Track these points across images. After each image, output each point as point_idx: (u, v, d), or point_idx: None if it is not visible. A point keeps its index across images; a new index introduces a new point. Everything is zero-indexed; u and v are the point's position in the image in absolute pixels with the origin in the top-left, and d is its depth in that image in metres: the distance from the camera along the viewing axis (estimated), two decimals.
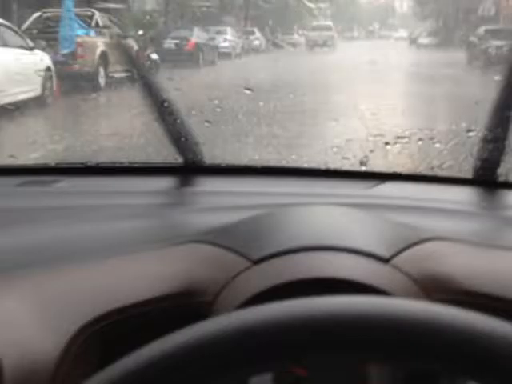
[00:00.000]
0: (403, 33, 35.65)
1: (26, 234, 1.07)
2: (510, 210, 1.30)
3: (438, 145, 2.44)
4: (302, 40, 26.60)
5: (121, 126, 6.00)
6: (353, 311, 0.51)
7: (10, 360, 0.65)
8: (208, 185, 1.42)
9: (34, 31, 10.66)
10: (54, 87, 9.20)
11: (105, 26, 11.64)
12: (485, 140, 1.29)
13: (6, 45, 8.86)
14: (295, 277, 0.77)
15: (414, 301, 0.57)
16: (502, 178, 1.31)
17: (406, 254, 0.82)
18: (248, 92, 3.98)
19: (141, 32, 14.03)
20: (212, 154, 1.63)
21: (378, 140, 2.91)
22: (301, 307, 0.52)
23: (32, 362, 0.67)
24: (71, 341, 0.70)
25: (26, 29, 10.76)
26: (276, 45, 24.84)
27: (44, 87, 8.92)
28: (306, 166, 1.96)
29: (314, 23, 27.93)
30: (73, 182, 1.43)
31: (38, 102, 8.41)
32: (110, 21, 12.19)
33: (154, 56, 12.17)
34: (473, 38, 17.33)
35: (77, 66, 10.37)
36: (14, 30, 9.58)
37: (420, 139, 2.53)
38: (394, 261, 0.80)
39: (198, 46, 16.37)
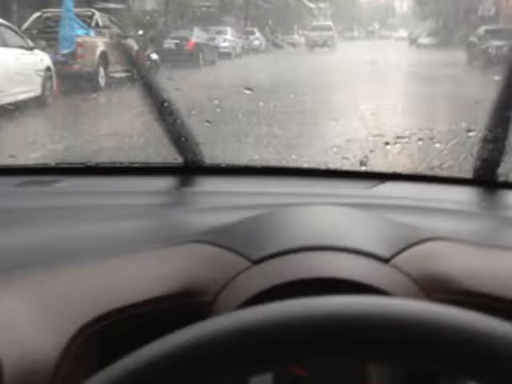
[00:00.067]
0: (403, 33, 35.65)
1: (25, 234, 1.07)
2: (510, 210, 1.30)
3: (438, 145, 2.44)
4: (302, 40, 26.60)
5: (121, 126, 6.00)
6: (353, 311, 0.51)
7: (9, 360, 0.65)
8: (208, 185, 1.42)
9: (34, 31, 10.66)
10: (54, 87, 9.20)
11: (105, 26, 11.64)
12: (485, 140, 1.29)
13: (6, 45, 8.86)
14: (295, 277, 0.77)
15: (413, 301, 0.57)
16: (502, 178, 1.31)
17: (406, 254, 0.82)
18: (248, 92, 3.98)
19: (141, 32, 14.04)
20: (212, 154, 1.63)
21: (378, 140, 2.91)
22: (301, 307, 0.52)
23: (32, 361, 0.67)
24: (71, 341, 0.70)
25: (26, 29, 10.76)
26: (276, 45, 24.84)
27: (44, 87, 8.92)
28: (306, 165, 1.96)
29: (314, 23, 27.93)
30: (73, 182, 1.43)
31: (38, 102, 8.41)
32: (110, 21, 12.19)
33: (154, 56, 12.17)
34: (473, 38, 17.33)
35: (77, 66, 10.37)
36: (14, 30, 9.58)
37: (420, 139, 2.53)
38: (394, 261, 0.80)
39: (198, 45, 16.37)
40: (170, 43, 16.20)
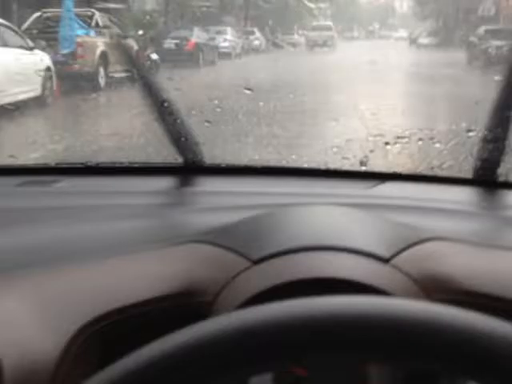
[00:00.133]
0: (403, 33, 35.64)
1: (26, 234, 1.07)
2: (510, 210, 1.30)
3: (438, 145, 2.44)
4: (302, 40, 26.60)
5: (121, 126, 6.00)
6: (353, 311, 0.51)
7: (10, 360, 0.65)
8: (208, 185, 1.42)
9: (34, 31, 10.66)
10: (54, 87, 9.19)
11: (105, 26, 11.64)
12: (485, 140, 1.29)
13: (6, 45, 8.86)
14: (295, 277, 0.77)
15: (413, 301, 0.57)
16: (502, 178, 1.31)
17: (406, 254, 0.82)
18: (248, 92, 3.98)
19: (141, 32, 14.03)
20: (212, 154, 1.63)
21: (378, 140, 2.91)
22: (301, 307, 0.52)
23: (32, 361, 0.67)
24: (71, 341, 0.70)
25: (26, 29, 10.76)
26: (276, 45, 24.84)
27: (44, 87, 8.92)
28: (306, 165, 1.96)
29: (314, 23, 27.93)
30: (73, 181, 1.43)
31: (38, 102, 8.41)
32: (110, 21, 12.19)
33: (154, 56, 12.17)
34: (473, 38, 17.33)
35: (77, 66, 10.37)
36: (14, 30, 9.58)
37: (420, 139, 2.53)
38: (394, 261, 0.80)
39: (198, 45, 16.37)
40: (169, 43, 16.20)
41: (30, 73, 8.57)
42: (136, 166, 1.53)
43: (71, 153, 4.85)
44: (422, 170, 2.06)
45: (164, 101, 1.36)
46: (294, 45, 25.12)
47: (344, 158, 2.37)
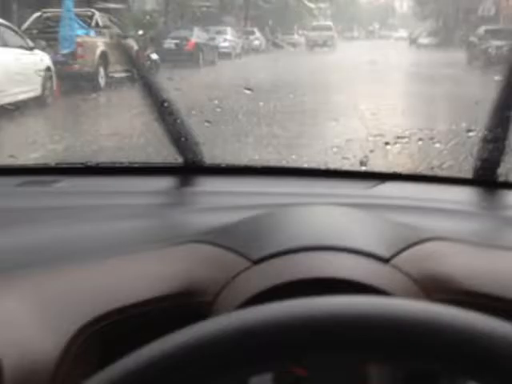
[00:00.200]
0: (403, 33, 35.64)
1: (26, 234, 1.07)
2: (510, 210, 1.30)
3: (438, 145, 2.44)
4: (302, 40, 26.60)
5: (121, 126, 6.00)
6: (353, 311, 0.51)
7: (10, 360, 0.65)
8: (208, 185, 1.42)
9: (34, 31, 10.66)
10: (54, 87, 9.20)
11: (105, 26, 11.64)
12: (485, 140, 1.29)
13: (6, 45, 8.86)
14: (295, 277, 0.77)
15: (413, 301, 0.57)
16: (502, 178, 1.31)
17: (406, 254, 0.82)
18: (248, 92, 3.98)
19: (141, 32, 14.03)
20: (212, 154, 1.63)
21: (378, 140, 2.91)
22: (301, 307, 0.52)
23: (32, 361, 0.67)
24: (71, 341, 0.70)
25: (26, 29, 10.76)
26: (276, 45, 24.84)
27: (44, 87, 8.92)
28: (306, 165, 1.96)
29: (314, 23, 27.93)
30: (73, 182, 1.43)
31: (38, 102, 8.41)
32: (110, 21, 12.19)
33: (154, 56, 12.17)
34: (473, 38, 17.33)
35: (77, 66, 10.37)
36: (14, 30, 9.58)
37: (420, 139, 2.53)
38: (394, 261, 0.80)
39: (198, 45, 16.37)
40: (170, 43, 16.20)
41: (30, 73, 8.57)
42: (136, 166, 1.53)
43: (71, 153, 4.85)
44: (422, 170, 2.06)
45: (164, 101, 1.36)
46: (294, 45, 25.12)
47: (344, 158, 2.37)
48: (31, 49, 9.45)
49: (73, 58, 10.38)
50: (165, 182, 1.42)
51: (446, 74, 11.90)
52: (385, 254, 0.81)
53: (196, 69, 14.87)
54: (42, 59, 9.40)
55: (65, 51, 10.34)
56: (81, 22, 10.86)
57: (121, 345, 0.65)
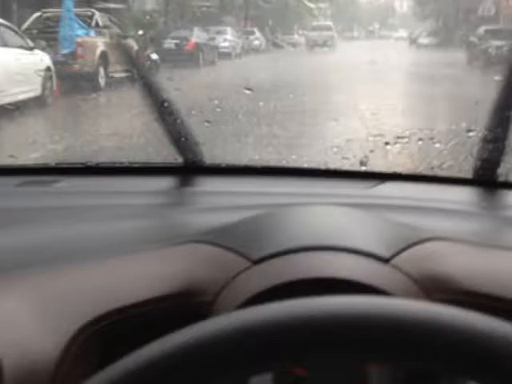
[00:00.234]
0: (403, 33, 35.64)
1: (26, 234, 1.07)
2: (510, 210, 1.30)
3: (438, 145, 2.44)
4: (302, 40, 26.59)
5: (121, 126, 6.00)
6: (353, 311, 0.51)
7: (10, 360, 0.65)
8: (208, 185, 1.42)
9: (34, 31, 10.66)
10: (54, 87, 9.19)
11: (105, 26, 11.64)
12: (485, 140, 1.29)
13: (6, 45, 8.86)
14: (295, 277, 0.77)
15: (413, 301, 0.57)
16: (502, 178, 1.31)
17: (406, 254, 0.82)
18: (248, 92, 3.98)
19: (141, 32, 14.03)
20: (212, 154, 1.63)
21: (378, 140, 2.91)
22: (301, 307, 0.52)
23: (32, 361, 0.67)
24: (71, 341, 0.70)
25: (26, 29, 10.75)
26: (276, 45, 24.84)
27: (44, 87, 8.92)
28: (306, 165, 1.96)
29: (314, 23, 27.93)
30: (73, 182, 1.43)
31: (38, 102, 8.41)
32: (110, 21, 12.19)
33: (154, 56, 12.17)
34: (473, 38, 17.33)
35: (77, 66, 10.37)
36: (14, 30, 9.58)
37: (420, 139, 2.53)
38: (394, 261, 0.80)
39: (198, 45, 16.37)
40: (169, 43, 16.20)
41: (30, 73, 8.57)
42: (136, 166, 1.53)
43: (71, 153, 4.85)
44: (422, 170, 2.06)
45: (164, 101, 1.36)
46: (293, 45, 25.12)
47: (344, 157, 2.37)
48: (31, 49, 9.45)
49: (73, 57, 10.39)
50: (165, 182, 1.42)
51: (446, 74, 11.90)
52: (385, 254, 0.81)
53: (196, 69, 14.87)
54: (42, 59, 9.40)
55: (65, 51, 10.34)
56: (81, 22, 10.86)
57: (121, 345, 0.65)
